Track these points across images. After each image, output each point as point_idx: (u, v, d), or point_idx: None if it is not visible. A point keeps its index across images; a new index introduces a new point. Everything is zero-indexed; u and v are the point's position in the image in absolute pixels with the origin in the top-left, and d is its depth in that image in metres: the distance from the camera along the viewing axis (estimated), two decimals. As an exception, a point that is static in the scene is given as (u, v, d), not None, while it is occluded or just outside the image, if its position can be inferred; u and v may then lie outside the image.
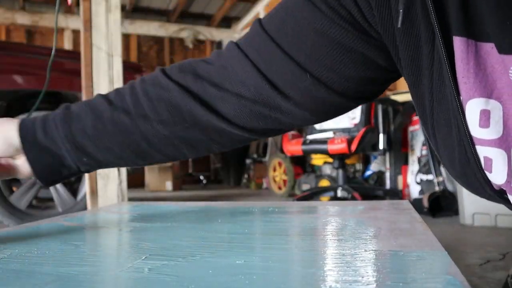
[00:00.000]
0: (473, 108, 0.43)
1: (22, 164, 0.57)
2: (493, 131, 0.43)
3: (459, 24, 0.43)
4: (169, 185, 5.10)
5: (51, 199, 2.65)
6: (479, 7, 0.42)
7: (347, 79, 0.52)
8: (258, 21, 0.55)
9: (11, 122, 0.57)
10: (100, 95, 0.58)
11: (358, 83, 0.53)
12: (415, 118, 2.97)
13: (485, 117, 0.43)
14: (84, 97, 2.05)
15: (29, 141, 0.56)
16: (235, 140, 0.58)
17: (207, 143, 0.57)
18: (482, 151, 0.44)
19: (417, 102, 0.50)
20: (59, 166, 0.58)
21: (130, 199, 2.39)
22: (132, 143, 0.56)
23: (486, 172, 0.45)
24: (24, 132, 0.56)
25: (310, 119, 0.56)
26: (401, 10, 0.45)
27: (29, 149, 0.56)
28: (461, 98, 0.44)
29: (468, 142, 0.44)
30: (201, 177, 5.67)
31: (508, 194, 0.45)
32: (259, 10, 6.20)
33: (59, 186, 2.51)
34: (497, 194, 0.47)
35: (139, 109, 0.55)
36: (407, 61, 0.48)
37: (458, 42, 0.43)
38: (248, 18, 6.51)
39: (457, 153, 0.46)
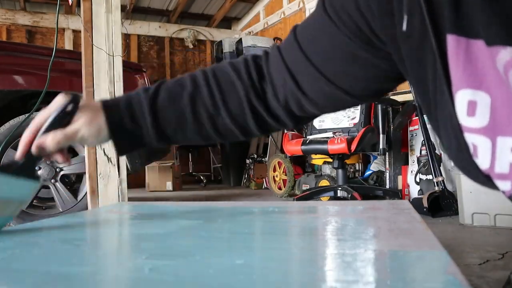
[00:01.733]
0: (461, 99, 0.48)
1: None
2: (479, 120, 0.47)
3: (451, 23, 0.48)
4: (169, 185, 5.09)
5: (51, 199, 2.65)
6: (470, 6, 0.46)
7: (353, 81, 0.63)
8: (294, 29, 0.66)
9: (100, 114, 0.67)
10: (176, 84, 0.69)
11: (362, 85, 0.63)
12: (415, 118, 2.97)
13: (471, 107, 0.48)
14: (84, 97, 2.05)
15: (116, 128, 0.67)
16: (283, 123, 0.71)
17: (259, 131, 0.71)
18: (470, 138, 0.49)
19: (422, 98, 0.55)
20: (138, 144, 0.70)
21: (130, 199, 2.39)
22: (205, 132, 0.69)
23: (474, 158, 0.49)
24: (112, 121, 0.67)
25: (321, 108, 0.68)
26: (405, 16, 0.51)
27: (116, 136, 0.68)
28: (452, 89, 0.49)
29: (458, 129, 0.49)
30: (201, 177, 5.66)
31: (493, 179, 0.49)
32: (259, 10, 6.20)
33: (59, 186, 2.51)
34: (487, 179, 0.50)
35: (215, 106, 0.67)
36: (411, 61, 0.54)
37: (450, 40, 0.48)
38: (248, 18, 6.50)
39: (453, 140, 0.51)
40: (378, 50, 0.58)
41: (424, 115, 0.66)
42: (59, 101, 0.65)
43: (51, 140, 0.63)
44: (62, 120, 0.64)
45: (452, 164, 0.63)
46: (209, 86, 0.67)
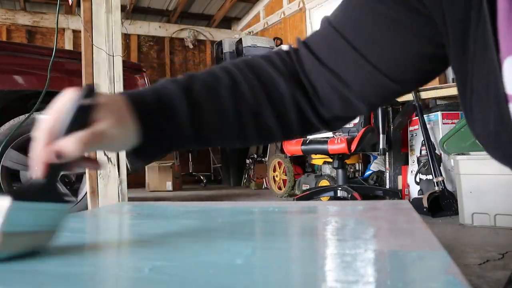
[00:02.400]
0: (509, 66, 0.44)
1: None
2: None
3: None
4: (169, 185, 5.10)
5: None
6: None
7: (396, 60, 0.57)
8: (327, 20, 0.60)
9: (127, 112, 0.53)
10: (209, 76, 0.59)
11: (406, 64, 0.57)
12: (415, 118, 2.97)
13: None
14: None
15: (149, 129, 0.54)
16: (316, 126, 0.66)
17: (302, 131, 0.66)
18: None
19: (459, 70, 0.51)
20: (169, 147, 0.58)
21: (130, 199, 2.39)
22: (246, 132, 0.61)
23: None
24: (144, 120, 0.54)
25: (367, 99, 0.61)
26: None
27: (148, 139, 0.55)
28: (500, 55, 0.45)
29: (503, 100, 0.45)
30: (201, 177, 5.66)
31: None
32: (259, 10, 6.20)
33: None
34: None
35: (258, 102, 0.59)
36: (454, 28, 0.50)
37: (501, 1, 0.44)
38: (248, 18, 6.50)
39: (492, 112, 0.47)
40: (422, 15, 0.53)
41: (456, 84, 0.59)
42: (70, 95, 0.49)
43: (75, 142, 0.46)
44: (81, 119, 0.48)
45: (478, 142, 0.57)
46: (249, 81, 0.60)
